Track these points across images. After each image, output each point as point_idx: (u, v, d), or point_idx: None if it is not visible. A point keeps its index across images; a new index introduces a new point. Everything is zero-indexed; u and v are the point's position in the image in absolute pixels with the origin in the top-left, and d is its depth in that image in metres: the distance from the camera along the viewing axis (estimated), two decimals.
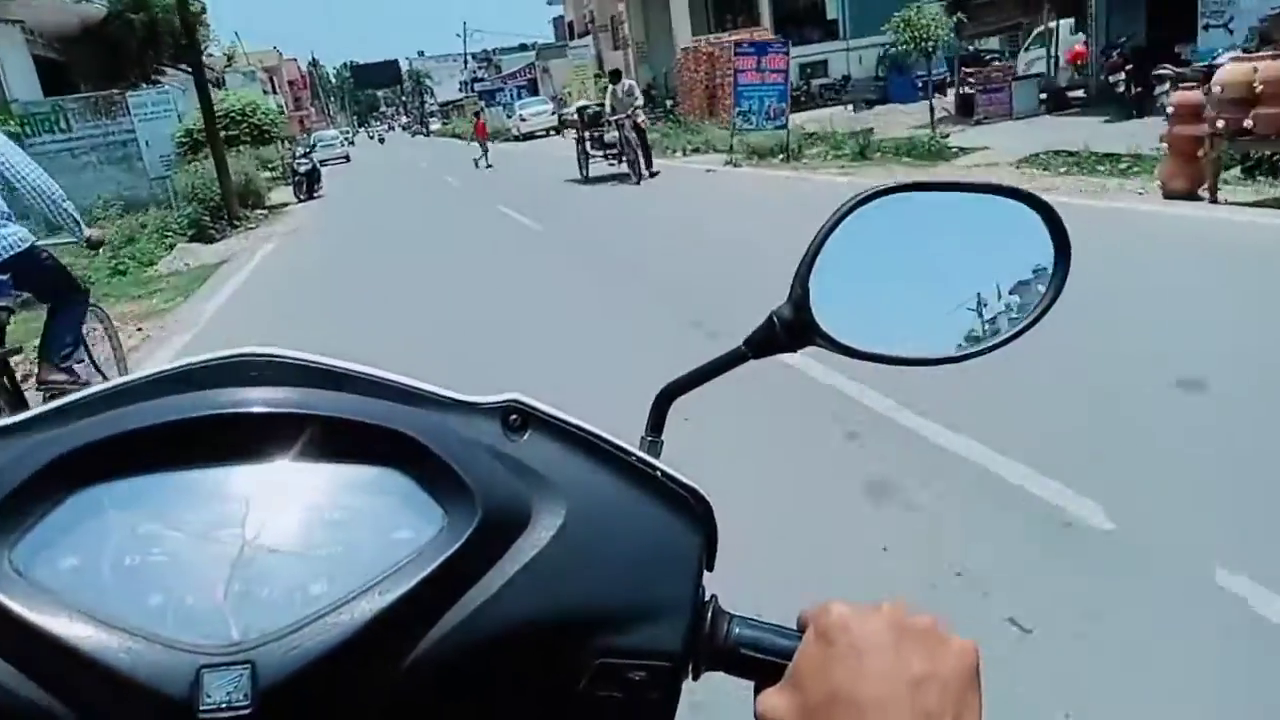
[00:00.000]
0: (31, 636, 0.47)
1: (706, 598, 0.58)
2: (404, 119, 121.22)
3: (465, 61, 68.64)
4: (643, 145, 15.66)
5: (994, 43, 27.52)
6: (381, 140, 79.54)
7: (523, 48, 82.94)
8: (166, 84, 22.35)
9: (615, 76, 17.40)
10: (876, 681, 0.48)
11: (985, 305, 0.70)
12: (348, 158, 40.15)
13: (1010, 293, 0.70)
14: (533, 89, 48.76)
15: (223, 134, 19.57)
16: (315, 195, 23.20)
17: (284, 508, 0.54)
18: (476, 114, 43.12)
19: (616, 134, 15.94)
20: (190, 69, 19.08)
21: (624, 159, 15.93)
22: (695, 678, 0.58)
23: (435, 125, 77.93)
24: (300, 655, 0.47)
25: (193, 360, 0.56)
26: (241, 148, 22.37)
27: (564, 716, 0.56)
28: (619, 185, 15.72)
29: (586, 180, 17.05)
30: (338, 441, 0.54)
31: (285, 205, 21.59)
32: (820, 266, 0.66)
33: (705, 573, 0.58)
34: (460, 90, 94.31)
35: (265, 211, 20.03)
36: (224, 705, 0.46)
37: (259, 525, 0.53)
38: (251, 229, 17.14)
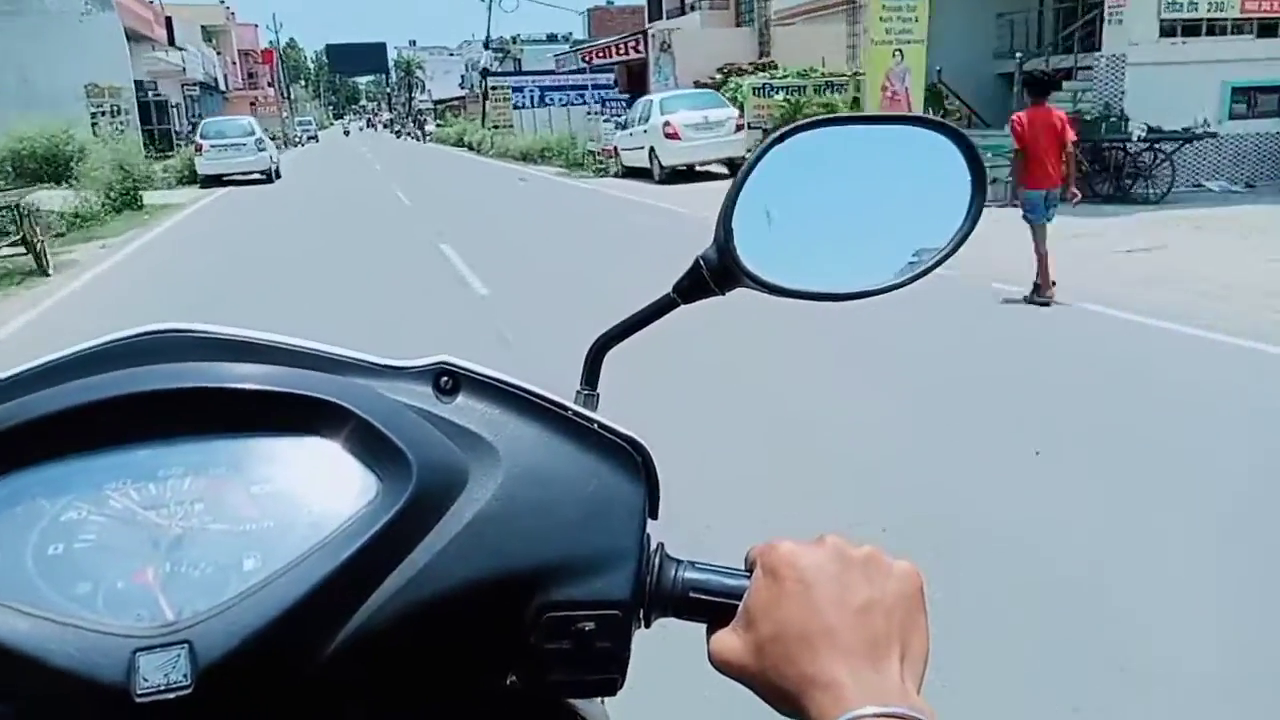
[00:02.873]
0: None
1: (653, 545, 0.57)
2: (386, 115, 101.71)
3: (487, 40, 49.47)
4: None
5: None
6: (345, 133, 61.29)
7: (552, 39, 64.81)
8: None
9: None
10: (824, 611, 0.49)
11: (906, 236, 0.69)
12: (268, 175, 23.33)
13: (930, 221, 0.69)
14: (635, 81, 29.04)
15: None
16: None
17: (212, 484, 0.53)
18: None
19: None
20: None
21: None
22: (647, 625, 0.57)
23: (432, 126, 58.87)
24: (238, 632, 0.47)
25: (106, 339, 0.55)
26: None
27: (517, 670, 0.56)
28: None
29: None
30: (263, 414, 0.53)
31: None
32: (742, 207, 0.65)
33: (650, 520, 0.58)
34: (461, 85, 75.84)
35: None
36: (162, 686, 0.45)
37: (187, 504, 0.52)
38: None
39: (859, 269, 0.69)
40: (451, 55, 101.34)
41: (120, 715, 0.45)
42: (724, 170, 16.68)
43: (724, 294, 0.68)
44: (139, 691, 0.45)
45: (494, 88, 33.28)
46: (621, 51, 24.88)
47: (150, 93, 30.10)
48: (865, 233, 0.69)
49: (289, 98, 70.92)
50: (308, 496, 0.53)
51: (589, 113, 24.16)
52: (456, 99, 77.77)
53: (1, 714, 0.46)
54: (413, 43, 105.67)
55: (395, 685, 0.53)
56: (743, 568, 0.55)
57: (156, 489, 0.52)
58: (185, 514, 0.51)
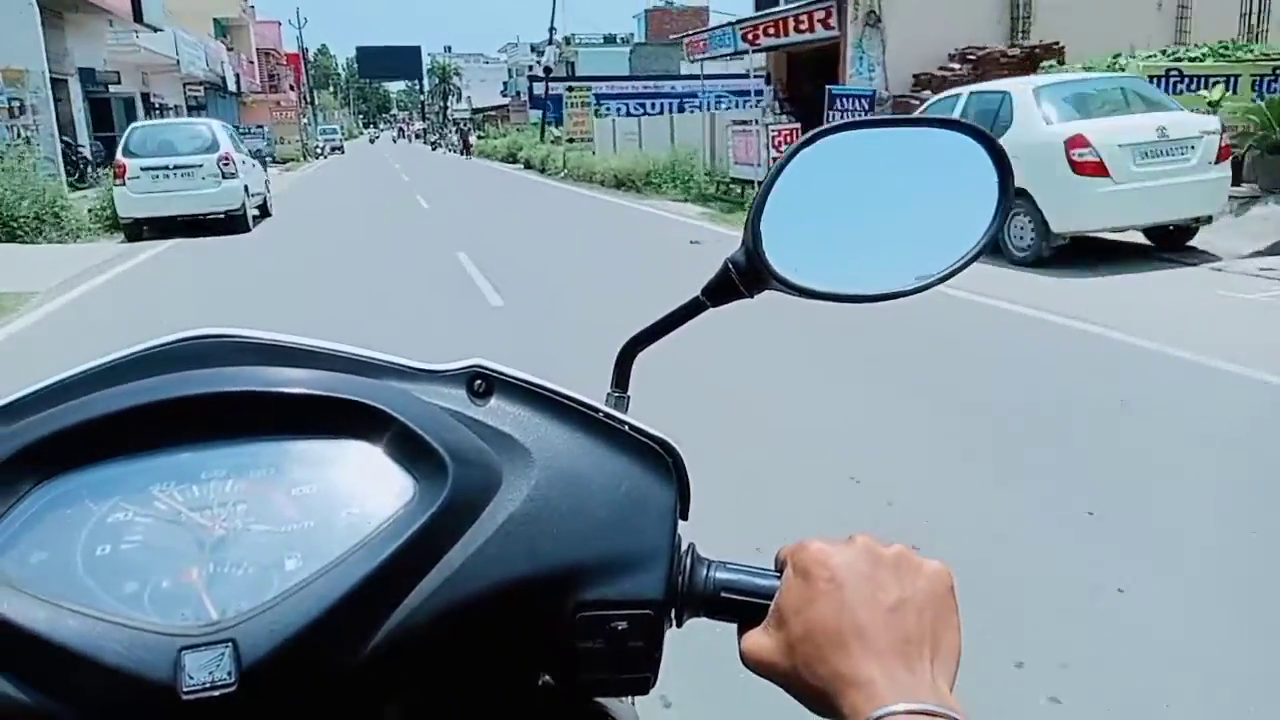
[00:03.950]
0: (4, 632, 0.47)
1: (684, 546, 0.58)
2: (419, 124, 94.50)
3: (551, 33, 41.82)
4: None
5: None
6: (371, 141, 53.83)
7: (610, 41, 57.24)
8: None
9: None
10: (856, 610, 0.49)
11: (933, 238, 0.69)
12: (240, 218, 13.46)
13: (957, 224, 0.69)
14: (805, 73, 19.63)
15: None
16: None
17: (254, 486, 0.54)
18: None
19: None
20: None
21: None
22: (679, 624, 0.57)
23: (472, 138, 51.20)
24: (281, 630, 0.47)
25: (151, 344, 0.56)
26: None
27: (548, 669, 0.57)
28: None
29: None
30: (304, 417, 0.55)
31: None
32: (771, 210, 0.65)
33: (681, 521, 0.58)
34: (504, 93, 68.50)
35: None
36: (207, 684, 0.46)
37: (230, 505, 0.53)
38: None
39: (886, 271, 0.68)
40: (488, 63, 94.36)
41: (167, 712, 0.46)
42: (1146, 241, 8.32)
43: (752, 296, 0.68)
44: (185, 689, 0.46)
45: (571, 88, 24.90)
46: (802, 27, 16.42)
47: (110, 86, 22.18)
48: (892, 235, 0.69)
49: (313, 103, 63.40)
50: (347, 498, 0.53)
51: (731, 123, 15.91)
52: (497, 108, 70.55)
53: (53, 712, 0.47)
54: (448, 49, 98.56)
55: (431, 683, 0.53)
56: (773, 568, 0.55)
57: (200, 491, 0.53)
58: (228, 515, 0.52)
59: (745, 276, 0.66)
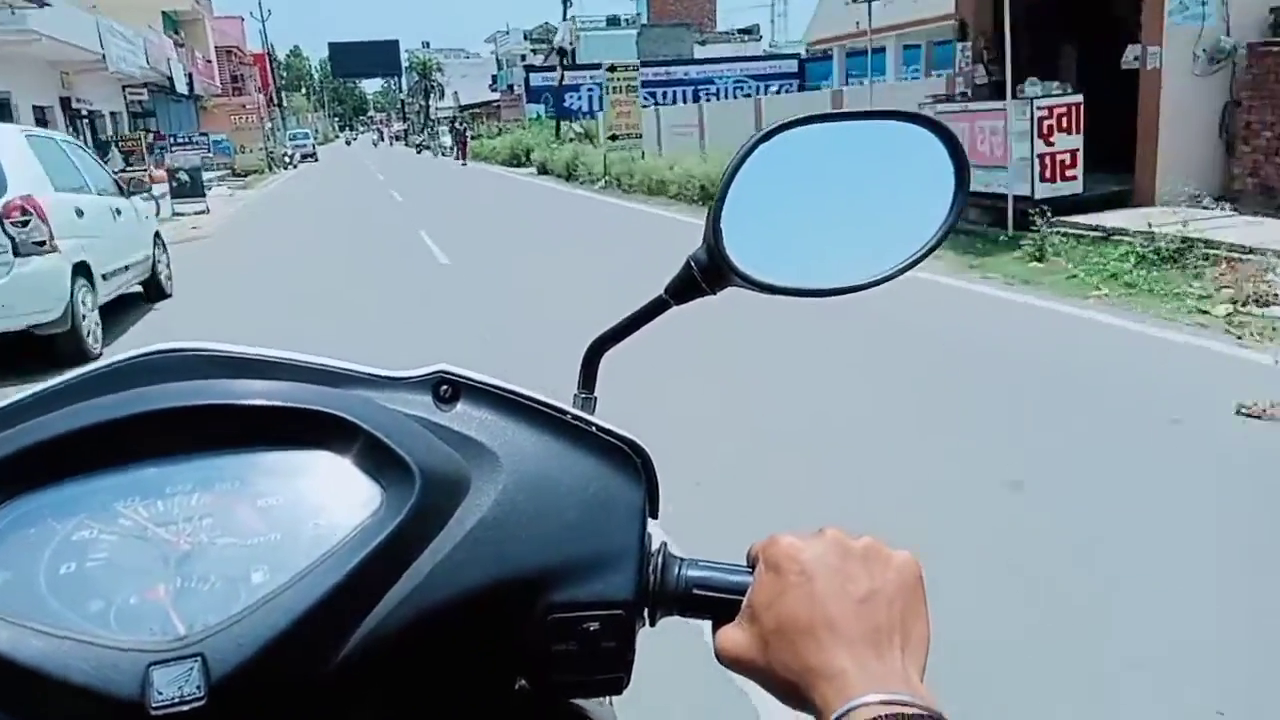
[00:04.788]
0: None
1: (655, 545, 0.58)
2: (398, 125, 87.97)
3: (565, 10, 35.94)
4: None
5: None
6: (348, 143, 47.87)
7: (614, 23, 51.13)
8: None
9: None
10: (826, 603, 0.50)
11: (893, 230, 0.69)
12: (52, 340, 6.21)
13: (915, 215, 0.69)
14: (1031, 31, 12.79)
15: None
16: None
17: (219, 500, 0.54)
18: None
19: None
20: None
21: None
22: (653, 624, 0.58)
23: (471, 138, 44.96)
24: (249, 643, 0.47)
25: (111, 361, 0.56)
26: None
27: (522, 673, 0.57)
28: None
29: None
30: (267, 429, 0.54)
31: None
32: (730, 207, 0.65)
33: (651, 520, 0.59)
34: (494, 86, 62.24)
35: None
36: (176, 699, 0.46)
37: (195, 519, 0.53)
38: None
39: (847, 264, 0.69)
40: (469, 57, 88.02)
41: None
42: None
43: (715, 293, 0.69)
44: (154, 705, 0.46)
45: (614, 69, 18.81)
46: None
47: None
48: (852, 228, 0.69)
49: (281, 105, 56.90)
50: (313, 509, 0.53)
51: (931, 104, 10.40)
52: (485, 104, 64.36)
53: None
54: (426, 44, 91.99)
55: (404, 691, 0.53)
56: (744, 564, 0.56)
57: (165, 506, 0.53)
58: (194, 530, 0.52)
59: (707, 274, 0.67)
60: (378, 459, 0.54)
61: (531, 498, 0.56)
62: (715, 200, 0.66)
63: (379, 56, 77.97)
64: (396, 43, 79.66)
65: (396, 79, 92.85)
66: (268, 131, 41.75)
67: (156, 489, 0.53)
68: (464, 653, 0.54)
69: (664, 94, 44.46)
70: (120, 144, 24.32)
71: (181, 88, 34.81)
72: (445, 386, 0.59)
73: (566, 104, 44.07)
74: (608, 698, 0.63)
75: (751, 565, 0.55)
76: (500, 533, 0.54)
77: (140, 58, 28.30)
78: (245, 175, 34.14)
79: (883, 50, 27.62)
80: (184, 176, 17.30)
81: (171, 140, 28.03)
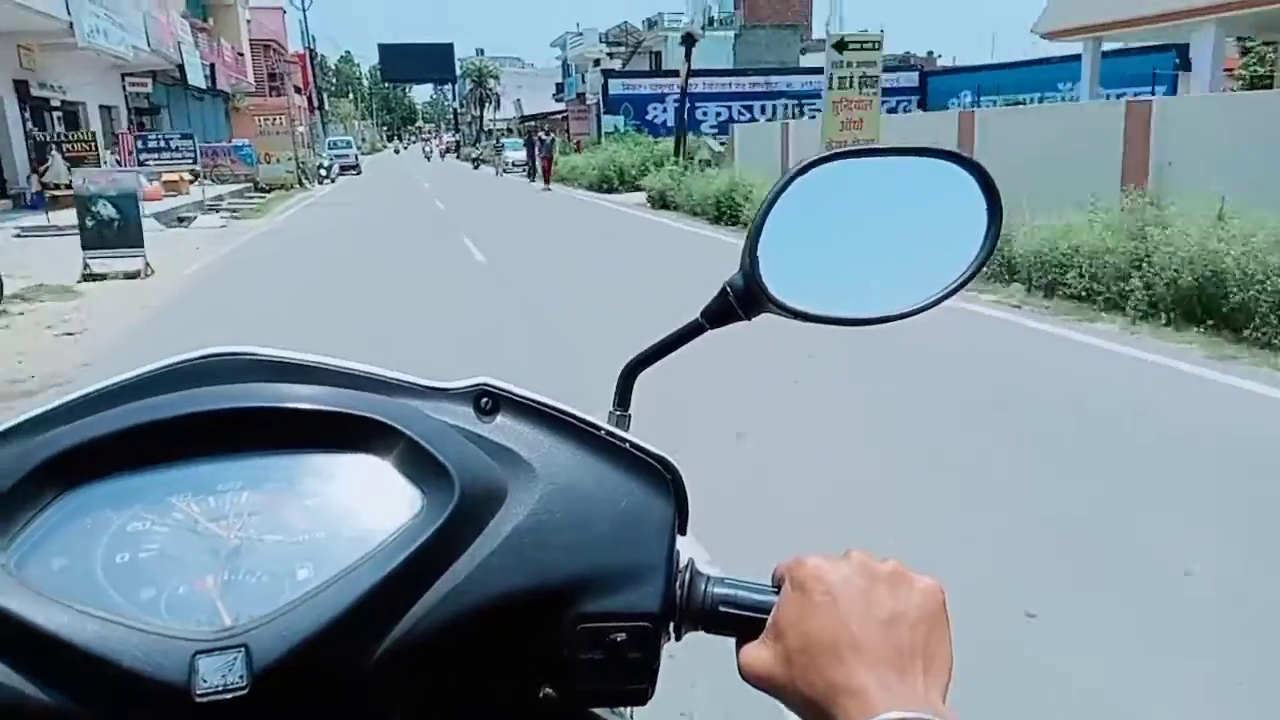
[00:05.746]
0: (28, 635, 0.49)
1: (683, 561, 0.59)
2: (448, 136, 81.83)
3: None
4: None
5: None
6: (396, 152, 42.14)
7: (709, 24, 44.19)
8: None
9: None
10: (851, 623, 0.50)
11: (926, 262, 0.71)
12: None
13: (949, 248, 0.71)
14: None
15: None
16: None
17: (267, 498, 0.56)
18: None
19: None
20: None
21: None
22: (678, 638, 0.59)
23: (516, 154, 37.98)
24: (291, 636, 0.49)
25: (168, 362, 0.59)
26: None
27: (548, 680, 0.58)
28: None
29: None
30: (316, 432, 0.57)
31: None
32: (767, 236, 0.67)
33: (680, 537, 0.60)
34: (558, 96, 55.69)
35: None
36: (220, 687, 0.48)
37: (244, 516, 0.55)
38: None
39: (880, 295, 0.71)
40: (523, 69, 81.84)
41: (180, 714, 0.48)
42: None
43: (750, 319, 0.70)
44: (199, 692, 0.47)
45: (845, 44, 11.46)
46: None
47: None
48: (886, 260, 0.71)
49: (322, 107, 50.56)
50: (357, 510, 0.55)
51: None
52: (550, 115, 57.81)
53: (72, 712, 0.48)
54: (480, 51, 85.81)
55: (436, 691, 0.55)
56: (770, 583, 0.57)
57: (216, 502, 0.55)
58: (243, 525, 0.54)
59: (743, 300, 0.68)
60: (419, 464, 0.56)
61: (565, 509, 0.57)
62: (752, 229, 0.67)
63: (432, 60, 71.85)
64: (450, 46, 73.49)
65: (449, 86, 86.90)
66: (300, 137, 35.09)
67: (208, 485, 0.56)
68: (494, 657, 0.56)
69: (761, 107, 37.68)
70: (64, 147, 17.48)
71: (197, 79, 28.20)
72: (486, 399, 0.60)
73: (649, 116, 37.36)
74: (630, 709, 0.64)
75: (777, 585, 0.55)
76: (534, 541, 0.55)
77: (136, 36, 21.81)
78: (269, 190, 27.53)
79: (1170, 49, 19.76)
80: (105, 211, 9.79)
81: (160, 141, 21.27)
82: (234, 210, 20.54)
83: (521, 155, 39.78)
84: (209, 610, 0.51)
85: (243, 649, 0.48)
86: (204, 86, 30.08)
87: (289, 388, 0.58)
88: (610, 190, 24.89)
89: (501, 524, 0.55)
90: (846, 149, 0.72)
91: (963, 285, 0.70)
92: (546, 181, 27.62)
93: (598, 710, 0.61)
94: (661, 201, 18.54)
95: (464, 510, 0.54)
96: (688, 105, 37.85)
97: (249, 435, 0.56)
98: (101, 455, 0.55)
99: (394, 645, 0.51)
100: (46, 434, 0.55)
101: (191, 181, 23.54)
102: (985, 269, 0.70)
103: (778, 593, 0.54)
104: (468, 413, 0.60)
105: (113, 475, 0.55)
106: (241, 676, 0.48)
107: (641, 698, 0.57)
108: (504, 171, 37.05)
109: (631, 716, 0.67)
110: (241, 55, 40.97)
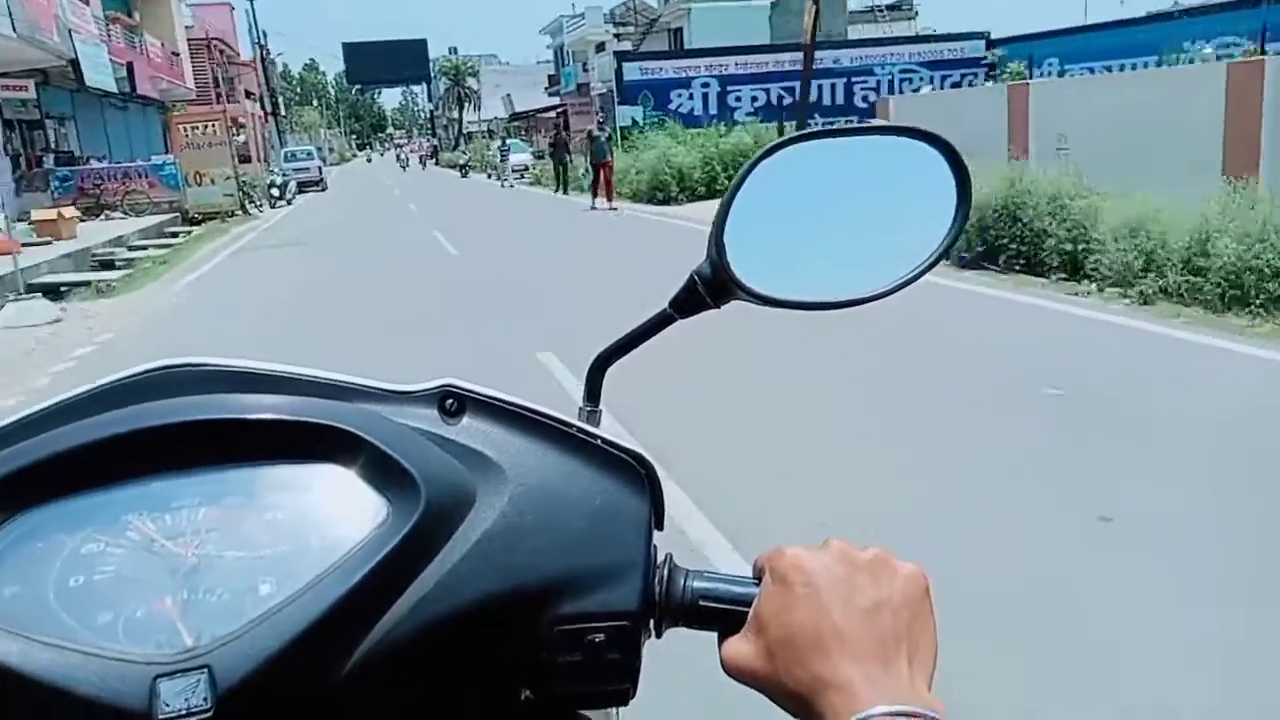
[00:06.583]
0: None
1: (660, 557, 0.58)
2: (421, 144, 74.55)
3: None
4: None
5: None
6: (369, 160, 40.12)
7: None
8: None
9: None
10: (833, 614, 0.50)
11: (895, 243, 0.70)
12: None
13: (918, 228, 0.70)
14: None
15: None
16: None
17: (226, 513, 0.54)
18: None
19: None
20: None
21: None
22: (659, 635, 0.58)
23: (524, 158, 30.48)
24: (255, 655, 0.48)
25: (117, 376, 0.57)
26: None
27: (528, 684, 0.57)
28: None
29: None
30: (275, 443, 0.55)
31: None
32: (733, 222, 0.66)
33: (657, 531, 0.59)
34: (551, 89, 48.75)
35: None
36: (183, 711, 0.46)
37: (202, 532, 0.53)
38: None
39: (850, 277, 0.69)
40: (498, 67, 74.82)
41: None
42: None
43: (719, 307, 0.69)
44: (161, 716, 0.46)
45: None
46: None
47: None
48: (855, 241, 0.70)
49: (276, 113, 43.01)
50: (319, 521, 0.54)
51: None
52: (537, 113, 51.00)
53: None
54: (453, 50, 78.39)
55: (411, 703, 0.54)
56: (750, 575, 0.56)
57: (173, 519, 0.53)
58: (201, 543, 0.53)
59: (711, 288, 0.67)
60: (383, 472, 0.54)
61: (537, 510, 0.56)
62: (718, 215, 0.66)
63: (403, 59, 64.68)
64: (424, 42, 66.42)
65: (422, 88, 79.74)
66: (251, 149, 27.86)
67: (164, 502, 0.54)
68: (470, 664, 0.55)
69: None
70: None
71: (102, 80, 21.14)
72: (450, 400, 0.59)
73: (673, 105, 30.53)
74: (614, 709, 0.63)
75: (757, 577, 0.54)
76: (506, 545, 0.54)
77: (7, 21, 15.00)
78: (201, 221, 20.64)
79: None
80: None
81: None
82: (114, 274, 13.06)
83: (524, 159, 32.71)
84: (169, 631, 0.49)
85: (205, 670, 0.47)
86: (113, 90, 22.97)
87: (245, 398, 0.56)
88: (665, 202, 18.12)
89: (471, 529, 0.54)
90: (813, 130, 0.71)
91: (933, 265, 0.68)
92: (609, 198, 18.35)
93: (582, 712, 0.59)
94: None
95: (431, 517, 0.52)
96: (719, 90, 31.22)
97: (205, 449, 0.54)
98: (51, 476, 0.52)
99: (364, 659, 0.50)
100: None
101: (84, 219, 16.67)
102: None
103: (758, 584, 0.53)
104: (432, 415, 0.58)
105: (63, 496, 0.53)
106: (205, 699, 0.46)
107: (624, 698, 0.56)
108: (508, 182, 29.67)
109: (618, 716, 0.64)
110: (177, 55, 33.79)
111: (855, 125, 0.69)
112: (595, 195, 18.49)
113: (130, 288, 11.70)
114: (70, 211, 16.33)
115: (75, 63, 19.58)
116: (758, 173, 0.67)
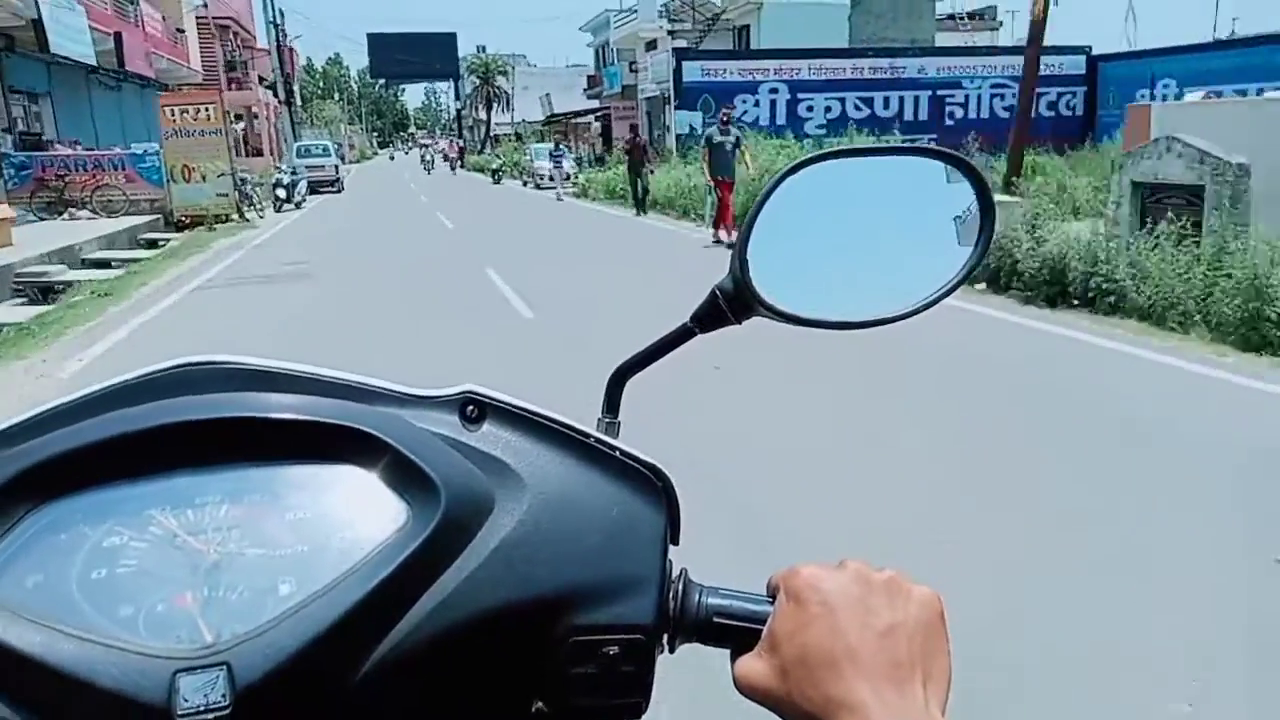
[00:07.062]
0: (1, 656, 0.47)
1: (676, 572, 0.59)
2: (441, 143, 70.77)
3: None
4: None
5: None
6: (391, 158, 40.53)
7: None
8: None
9: None
10: (848, 634, 0.49)
11: (918, 264, 0.70)
12: None
13: (940, 250, 0.70)
14: None
15: None
16: None
17: (248, 511, 0.54)
18: None
19: None
20: None
21: None
22: (672, 650, 0.58)
23: (572, 167, 26.19)
24: (274, 654, 0.48)
25: (144, 371, 0.57)
26: None
27: (540, 695, 0.57)
28: None
29: None
30: (296, 443, 0.55)
31: None
32: (756, 239, 0.66)
33: (673, 546, 0.59)
34: (590, 91, 44.95)
35: None
36: (201, 707, 0.47)
37: (224, 529, 0.53)
38: None
39: (873, 297, 0.69)
40: (528, 68, 71.16)
41: None
42: None
43: (740, 323, 0.69)
44: (179, 712, 0.46)
45: None
46: None
47: None
48: (878, 262, 0.70)
49: (290, 103, 39.13)
50: (340, 523, 0.54)
51: None
52: (573, 115, 47.19)
53: None
54: (481, 49, 74.74)
55: (425, 708, 0.54)
56: (765, 593, 0.56)
57: (195, 515, 0.54)
58: (223, 540, 0.53)
59: (733, 303, 0.67)
60: (404, 475, 0.54)
61: (555, 519, 0.56)
62: (741, 231, 0.66)
63: (431, 53, 61.21)
64: (453, 36, 63.05)
65: (448, 86, 76.13)
66: (253, 140, 23.97)
67: (187, 498, 0.54)
68: (484, 672, 0.55)
69: (884, 100, 27.13)
70: None
71: (74, 49, 17.36)
72: (471, 407, 0.59)
73: (737, 112, 26.47)
74: None
75: (772, 595, 0.54)
76: (523, 553, 0.54)
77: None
78: (185, 227, 16.80)
79: None
80: None
81: None
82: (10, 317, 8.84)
83: (546, 165, 28.85)
84: (189, 627, 0.49)
85: (224, 667, 0.47)
86: (93, 63, 19.20)
87: (269, 397, 0.56)
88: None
89: (489, 536, 0.54)
90: (837, 149, 0.71)
91: (956, 287, 0.69)
92: (730, 226, 12.93)
93: None
94: (1019, 284, 7.82)
95: (450, 522, 0.53)
96: (788, 97, 27.30)
97: (228, 446, 0.55)
98: (75, 468, 0.53)
99: (380, 661, 0.50)
100: (18, 446, 0.53)
101: (42, 217, 12.83)
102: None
103: (773, 603, 0.53)
104: (453, 421, 0.59)
105: (87, 489, 0.53)
106: (224, 695, 0.47)
107: (636, 711, 0.56)
108: (559, 194, 25.64)
109: None
110: (182, 32, 30.12)
111: (880, 145, 0.54)
112: (718, 226, 13.46)
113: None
114: (6, 211, 12.52)
115: (37, 22, 15.85)
116: (782, 190, 0.66)
